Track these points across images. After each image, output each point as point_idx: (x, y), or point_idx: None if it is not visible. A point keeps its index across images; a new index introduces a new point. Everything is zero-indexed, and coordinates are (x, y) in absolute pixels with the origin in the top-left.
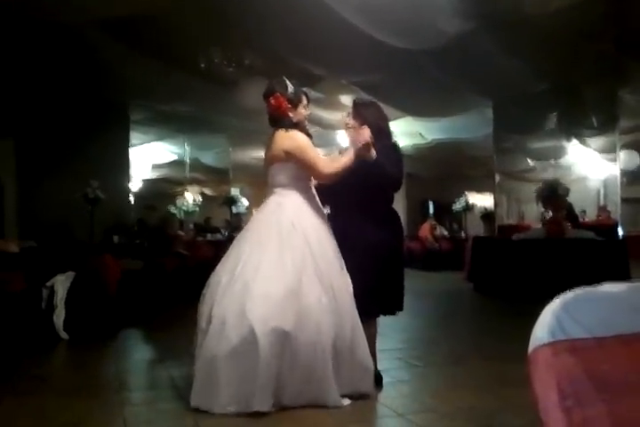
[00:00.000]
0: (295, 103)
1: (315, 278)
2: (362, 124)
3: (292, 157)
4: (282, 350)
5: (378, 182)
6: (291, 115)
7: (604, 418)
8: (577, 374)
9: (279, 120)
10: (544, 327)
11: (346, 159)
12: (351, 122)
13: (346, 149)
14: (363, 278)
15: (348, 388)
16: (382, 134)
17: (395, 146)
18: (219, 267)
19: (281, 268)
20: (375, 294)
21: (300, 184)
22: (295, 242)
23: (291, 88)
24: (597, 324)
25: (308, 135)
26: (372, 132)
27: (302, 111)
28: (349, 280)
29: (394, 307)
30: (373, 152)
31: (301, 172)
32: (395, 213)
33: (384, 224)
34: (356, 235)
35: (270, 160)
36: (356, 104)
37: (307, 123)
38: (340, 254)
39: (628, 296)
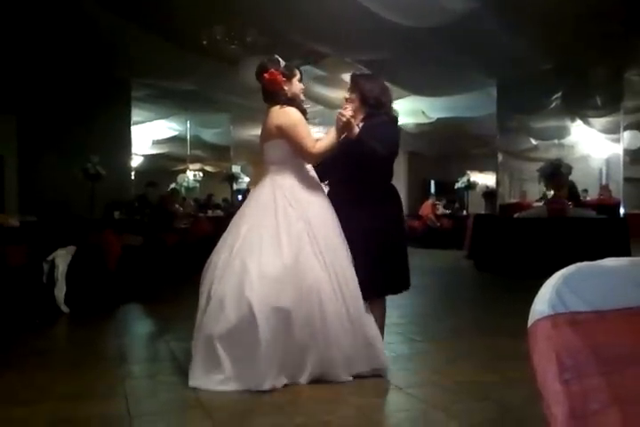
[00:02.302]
0: (289, 76)
1: (313, 255)
2: (360, 98)
3: (283, 133)
4: (281, 327)
5: (359, 160)
6: (285, 88)
7: (603, 390)
8: (576, 346)
9: (274, 95)
10: (544, 300)
11: (328, 139)
12: (349, 96)
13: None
14: (364, 259)
15: (359, 366)
16: (381, 108)
17: (392, 120)
18: (218, 246)
19: (278, 245)
20: (378, 273)
21: (296, 160)
22: (292, 219)
23: (283, 63)
24: (598, 297)
25: (303, 111)
26: (370, 104)
27: (297, 84)
28: (350, 257)
29: (400, 286)
30: (355, 129)
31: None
32: (392, 191)
33: (381, 202)
34: (351, 215)
35: (265, 137)
36: (353, 77)
37: (302, 97)
38: (341, 231)
39: (629, 271)
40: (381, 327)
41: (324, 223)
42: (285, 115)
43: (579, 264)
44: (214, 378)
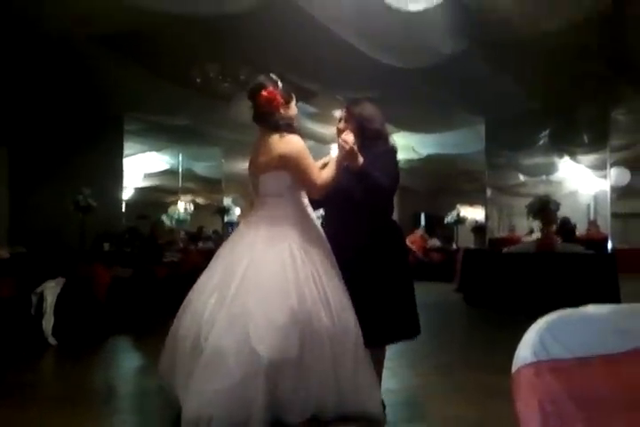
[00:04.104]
0: (287, 99)
1: (319, 299)
2: (356, 128)
3: (287, 163)
4: (285, 377)
5: (363, 193)
6: (282, 111)
7: None
8: (558, 393)
9: (269, 117)
10: (528, 347)
11: (332, 169)
12: (343, 126)
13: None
14: (361, 303)
15: (354, 411)
16: (378, 137)
17: (392, 151)
18: (200, 283)
19: (283, 290)
20: (380, 319)
21: (295, 193)
22: (298, 262)
23: (280, 84)
24: (579, 345)
25: (301, 137)
26: (368, 135)
27: (294, 108)
28: (350, 301)
29: (407, 331)
30: (360, 159)
31: (296, 180)
32: (393, 226)
33: (379, 240)
34: (350, 257)
35: (262, 167)
36: (350, 105)
37: (297, 123)
38: (340, 272)
39: (609, 319)
40: (379, 374)
41: (326, 265)
42: (288, 144)
43: (561, 311)
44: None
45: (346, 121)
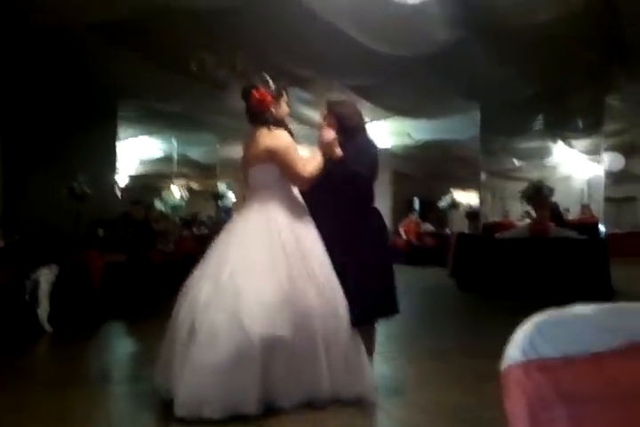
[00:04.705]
0: (277, 98)
1: (309, 282)
2: (336, 124)
3: (274, 157)
4: (277, 356)
5: (343, 182)
6: (273, 109)
7: None
8: (546, 392)
9: (260, 116)
10: (516, 346)
11: (316, 161)
12: (325, 122)
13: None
14: (350, 284)
15: (346, 392)
16: (357, 131)
17: (370, 143)
18: (198, 271)
19: (273, 270)
20: (365, 299)
21: (284, 185)
22: (288, 247)
23: (271, 83)
24: (568, 343)
25: (290, 133)
26: (347, 129)
27: (284, 106)
28: (338, 283)
29: (387, 310)
30: (338, 151)
31: (283, 173)
32: (374, 213)
33: (364, 227)
34: (334, 240)
35: (251, 160)
36: (330, 104)
37: (287, 120)
38: (327, 255)
39: (596, 318)
40: (370, 354)
41: (315, 249)
42: (275, 138)
43: (550, 311)
44: (203, 409)
45: (327, 118)
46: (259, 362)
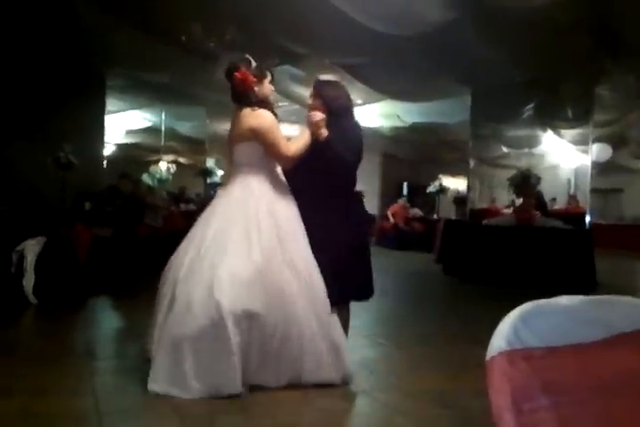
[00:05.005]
0: (260, 77)
1: (283, 260)
2: (323, 104)
3: (256, 136)
4: (251, 331)
5: (328, 165)
6: (256, 89)
7: (553, 421)
8: (529, 381)
9: (244, 96)
10: (501, 336)
11: (301, 141)
12: (313, 102)
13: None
14: (329, 265)
15: (325, 371)
16: (344, 113)
17: (357, 126)
18: (181, 246)
19: (248, 247)
20: (342, 279)
21: (267, 163)
22: (263, 223)
23: (254, 64)
24: (551, 334)
25: (274, 113)
26: (334, 111)
27: (268, 86)
28: (315, 264)
29: (363, 292)
30: (324, 132)
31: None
32: (356, 197)
33: (345, 209)
34: (315, 221)
35: (235, 139)
36: (317, 83)
37: (272, 99)
38: (306, 235)
39: (580, 309)
40: (345, 331)
41: (292, 228)
42: (258, 117)
43: (535, 302)
44: (180, 384)
45: (314, 98)
46: (232, 337)
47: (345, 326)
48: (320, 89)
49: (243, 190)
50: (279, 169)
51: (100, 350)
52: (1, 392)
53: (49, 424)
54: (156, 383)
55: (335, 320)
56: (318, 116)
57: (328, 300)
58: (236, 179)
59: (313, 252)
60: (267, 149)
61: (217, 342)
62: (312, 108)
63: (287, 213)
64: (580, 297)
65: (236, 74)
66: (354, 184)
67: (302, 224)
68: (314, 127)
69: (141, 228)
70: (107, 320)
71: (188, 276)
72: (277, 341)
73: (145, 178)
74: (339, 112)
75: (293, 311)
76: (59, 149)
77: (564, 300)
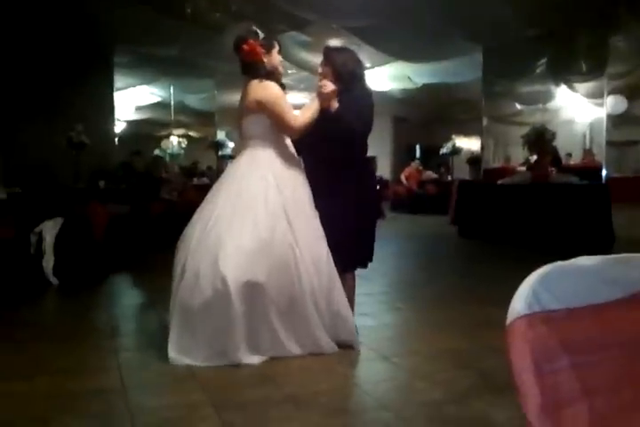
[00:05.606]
0: (268, 48)
1: (289, 230)
2: (333, 72)
3: (263, 108)
4: (256, 301)
5: (336, 136)
6: (264, 60)
7: (574, 383)
8: (550, 343)
9: (253, 67)
10: (521, 300)
11: (310, 112)
12: (323, 69)
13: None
14: (339, 233)
15: (329, 340)
16: (355, 80)
17: (368, 94)
18: (194, 218)
19: (254, 219)
20: (352, 247)
21: (274, 135)
22: (269, 195)
23: (261, 35)
24: (571, 295)
25: (282, 85)
26: (344, 79)
27: (276, 56)
28: (322, 232)
29: (364, 258)
30: (335, 104)
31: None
32: (367, 166)
33: (356, 178)
34: (326, 190)
35: (244, 111)
36: (327, 50)
37: (280, 70)
38: (314, 206)
39: (599, 269)
40: (351, 300)
41: (299, 198)
42: (265, 89)
43: (554, 264)
44: (192, 352)
45: (325, 65)
46: (240, 307)
47: (351, 292)
48: (329, 56)
49: (250, 163)
50: (288, 141)
51: (123, 327)
52: (27, 372)
53: (76, 402)
54: (172, 352)
55: (340, 289)
56: (329, 87)
57: (334, 266)
58: (244, 152)
59: (322, 222)
60: (273, 120)
61: (223, 312)
62: (322, 75)
63: (294, 185)
64: (600, 257)
65: (244, 46)
66: (365, 153)
67: (310, 195)
68: (324, 99)
69: (157, 203)
70: (127, 297)
71: (197, 248)
72: (283, 309)
73: (158, 153)
74: (349, 79)
75: (297, 280)
76: (70, 128)
77: (583, 260)
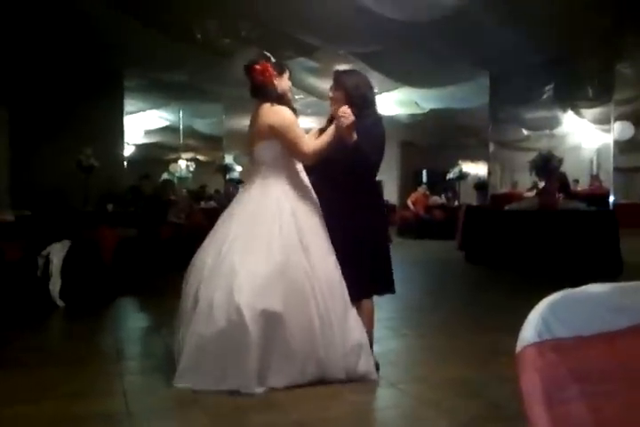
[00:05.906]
0: (280, 71)
1: (303, 258)
2: (345, 96)
3: (276, 133)
4: (271, 330)
5: (354, 168)
6: (275, 82)
7: (584, 414)
8: (560, 372)
9: (263, 89)
10: (531, 328)
11: (325, 139)
12: (334, 94)
13: (325, 126)
14: (350, 261)
15: (345, 369)
16: (367, 105)
17: (379, 121)
18: (204, 245)
19: (268, 247)
20: (364, 275)
21: (287, 160)
22: (284, 222)
23: (273, 59)
24: (581, 323)
25: (293, 110)
26: (357, 103)
27: (287, 81)
28: (335, 260)
29: (384, 287)
30: (354, 135)
31: (285, 149)
32: (377, 192)
33: (367, 205)
34: (338, 217)
35: (255, 136)
36: (337, 74)
37: (290, 96)
38: (328, 235)
39: (610, 297)
40: (369, 332)
41: (313, 227)
42: (277, 114)
43: (564, 291)
44: (202, 382)
45: (335, 89)
46: (255, 337)
47: (369, 322)
48: (340, 80)
49: (262, 190)
50: (300, 167)
51: (128, 351)
52: (33, 396)
53: (81, 426)
54: (181, 378)
55: (356, 316)
56: (351, 117)
57: (349, 296)
58: (255, 178)
59: (335, 248)
60: (286, 146)
61: (238, 341)
62: (334, 100)
63: (308, 213)
64: (610, 284)
65: (256, 66)
66: (374, 180)
67: (323, 222)
68: (344, 130)
69: (165, 228)
70: (133, 320)
71: (210, 277)
72: (298, 337)
73: (166, 177)
74: (361, 104)
75: (312, 310)
76: (80, 151)
77: (593, 288)
